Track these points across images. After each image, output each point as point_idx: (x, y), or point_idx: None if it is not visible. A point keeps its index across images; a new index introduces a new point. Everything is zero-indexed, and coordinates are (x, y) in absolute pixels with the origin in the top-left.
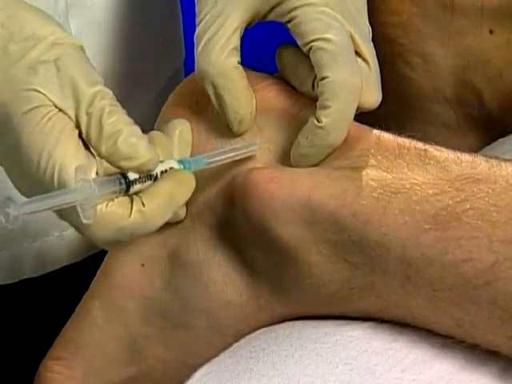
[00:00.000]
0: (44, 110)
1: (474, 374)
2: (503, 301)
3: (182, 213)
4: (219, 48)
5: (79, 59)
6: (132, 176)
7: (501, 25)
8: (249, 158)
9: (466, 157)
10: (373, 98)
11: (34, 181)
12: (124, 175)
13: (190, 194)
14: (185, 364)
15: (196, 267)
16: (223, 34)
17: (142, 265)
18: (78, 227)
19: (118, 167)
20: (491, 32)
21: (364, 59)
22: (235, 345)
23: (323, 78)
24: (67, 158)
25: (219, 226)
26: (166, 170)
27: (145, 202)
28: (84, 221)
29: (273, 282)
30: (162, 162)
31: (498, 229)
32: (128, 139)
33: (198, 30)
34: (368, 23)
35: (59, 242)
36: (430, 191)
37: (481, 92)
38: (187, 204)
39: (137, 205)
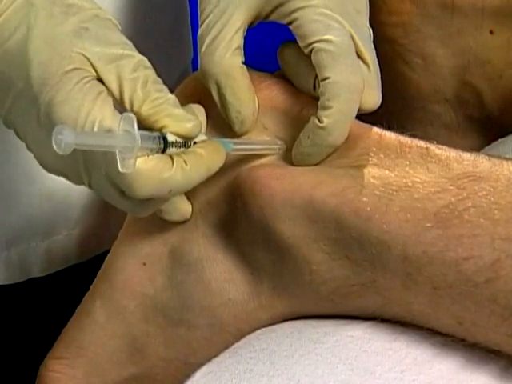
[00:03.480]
0: (84, 72)
1: (474, 373)
2: (504, 299)
3: (188, 212)
4: (223, 47)
5: (119, 32)
6: (170, 138)
7: (501, 25)
8: (251, 157)
9: (467, 155)
10: (373, 99)
11: None
12: (163, 136)
13: (222, 163)
14: (185, 362)
15: (197, 265)
16: (226, 33)
17: (144, 263)
18: (118, 179)
19: (162, 127)
20: (491, 32)
21: (364, 61)
22: (235, 345)
23: (324, 79)
24: (107, 114)
25: (221, 224)
26: (196, 142)
27: (187, 161)
28: (121, 169)
29: (274, 279)
30: None
31: (500, 227)
32: (176, 104)
33: (200, 29)
34: (369, 25)
35: (67, 241)
36: (432, 189)
37: (481, 92)
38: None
39: (179, 162)
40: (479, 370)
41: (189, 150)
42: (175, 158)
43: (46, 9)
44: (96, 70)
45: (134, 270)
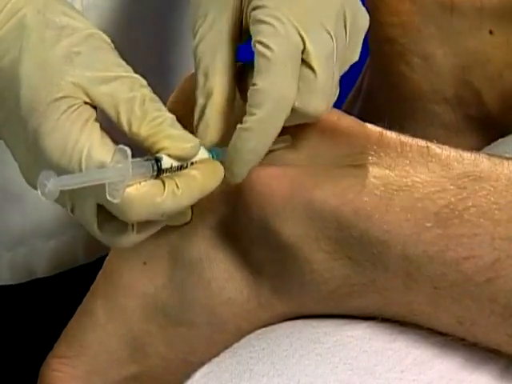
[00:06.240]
0: (73, 100)
1: (474, 373)
2: (504, 298)
3: (188, 215)
4: None
5: (113, 52)
6: (164, 165)
7: (500, 25)
8: None
9: (467, 155)
10: (314, 103)
11: (56, 168)
12: (157, 161)
13: (218, 184)
14: (185, 361)
15: (197, 264)
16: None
17: (144, 263)
18: (109, 205)
19: (160, 149)
20: (491, 32)
21: (310, 67)
22: (235, 345)
23: (254, 84)
24: (95, 141)
25: (221, 224)
26: (195, 162)
27: (179, 185)
28: (109, 198)
29: (273, 278)
30: None
31: (500, 226)
32: (174, 124)
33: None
34: (345, 30)
35: (73, 242)
36: (432, 189)
37: (480, 92)
38: None
39: (170, 186)
40: (479, 370)
41: (182, 172)
42: (167, 182)
43: (38, 31)
44: (88, 95)
45: (135, 269)
